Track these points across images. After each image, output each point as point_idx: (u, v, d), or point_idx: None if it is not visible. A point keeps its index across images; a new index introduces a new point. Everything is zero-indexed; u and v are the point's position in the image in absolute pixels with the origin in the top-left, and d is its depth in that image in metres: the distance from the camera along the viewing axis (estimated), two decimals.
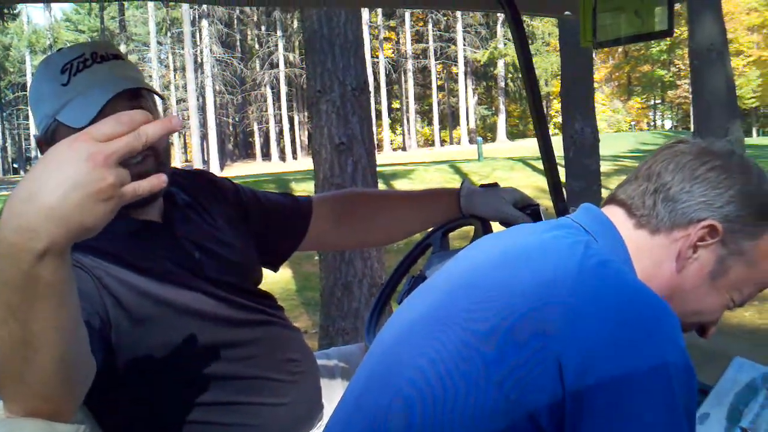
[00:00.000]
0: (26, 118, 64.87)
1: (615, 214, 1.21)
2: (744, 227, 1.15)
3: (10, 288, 0.93)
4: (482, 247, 1.23)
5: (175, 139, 55.23)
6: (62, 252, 0.93)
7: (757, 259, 1.17)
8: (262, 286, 1.84)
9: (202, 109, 47.63)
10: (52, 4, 45.41)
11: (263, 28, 56.89)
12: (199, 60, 48.01)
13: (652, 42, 51.72)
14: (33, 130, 1.66)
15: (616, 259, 1.12)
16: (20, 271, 0.91)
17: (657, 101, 63.66)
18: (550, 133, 2.31)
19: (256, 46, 57.40)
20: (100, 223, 0.93)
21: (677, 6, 1.62)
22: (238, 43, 56.67)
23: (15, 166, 76.92)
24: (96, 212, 0.91)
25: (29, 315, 0.95)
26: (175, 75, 58.94)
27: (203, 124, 47.32)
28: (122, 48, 54.57)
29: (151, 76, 51.28)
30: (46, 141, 1.57)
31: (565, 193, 2.38)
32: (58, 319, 0.98)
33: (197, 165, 44.05)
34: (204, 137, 48.01)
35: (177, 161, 51.48)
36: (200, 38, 48.37)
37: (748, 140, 15.34)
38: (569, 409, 0.94)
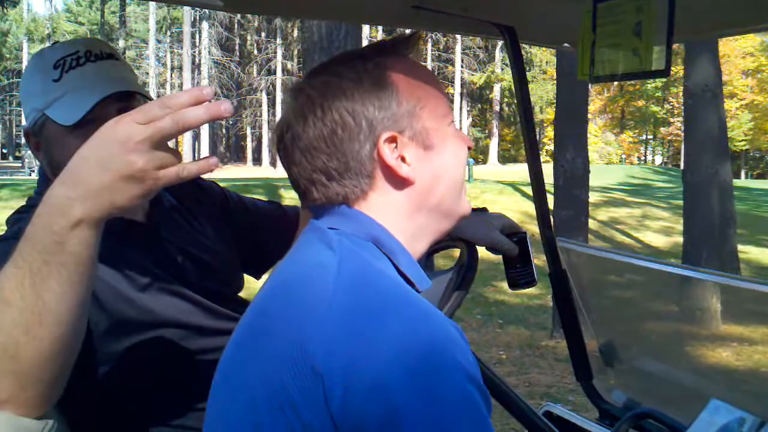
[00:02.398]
0: (19, 104, 64.52)
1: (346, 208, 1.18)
2: (381, 111, 1.13)
3: (37, 249, 0.98)
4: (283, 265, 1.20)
5: None
6: (94, 225, 0.99)
7: (418, 96, 1.16)
8: (244, 293, 1.84)
9: None
10: None
11: (263, 34, 56.97)
12: (197, 61, 47.96)
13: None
14: (23, 120, 1.65)
15: (371, 236, 1.13)
16: (52, 232, 0.97)
17: (649, 136, 64.06)
18: (542, 160, 2.31)
19: (255, 51, 57.43)
20: (133, 203, 0.98)
21: (675, 46, 1.64)
22: (237, 47, 56.70)
23: (4, 151, 76.47)
24: (127, 193, 0.97)
25: (46, 282, 0.98)
26: (171, 74, 58.87)
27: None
28: (121, 44, 54.49)
29: (148, 74, 51.20)
30: (33, 133, 1.57)
31: (552, 221, 2.38)
32: (71, 295, 1.01)
33: None
34: (196, 138, 47.92)
35: None
36: (200, 39, 48.35)
37: (736, 182, 15.53)
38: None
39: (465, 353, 0.97)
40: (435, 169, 1.18)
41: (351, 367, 0.93)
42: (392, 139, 1.14)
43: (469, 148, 1.27)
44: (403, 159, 1.15)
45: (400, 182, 1.16)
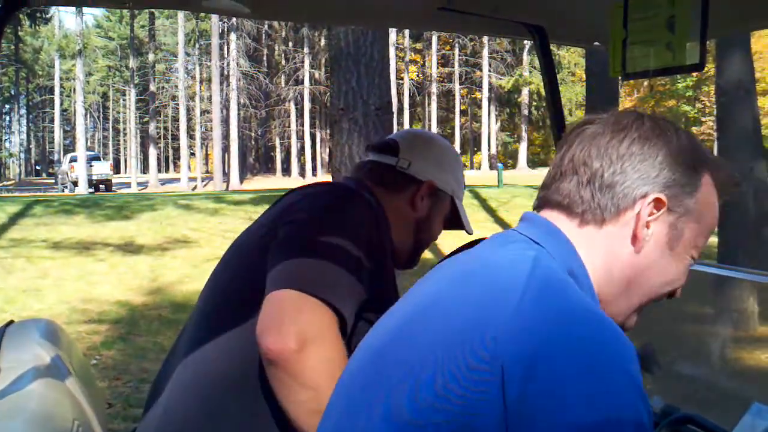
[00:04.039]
0: (51, 121, 65.59)
1: (556, 218, 1.19)
2: (682, 188, 1.15)
3: None
4: (445, 266, 1.23)
5: (197, 149, 55.64)
6: None
7: (702, 211, 1.18)
8: None
9: (225, 122, 47.92)
10: (84, 10, 46.01)
11: (290, 44, 57.33)
12: (225, 72, 48.35)
13: (678, 77, 51.67)
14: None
15: (568, 266, 1.12)
16: None
17: None
18: None
19: (283, 61, 57.80)
20: None
21: (708, 42, 1.60)
22: (264, 58, 57.12)
23: (38, 168, 77.74)
24: None
25: None
26: (200, 86, 59.47)
27: (226, 137, 47.61)
28: (150, 57, 55.17)
29: (177, 86, 51.75)
30: (435, 194, 1.97)
31: None
32: None
33: (218, 177, 44.27)
34: (226, 149, 48.30)
35: (198, 171, 51.83)
36: (228, 51, 48.73)
37: None
38: (511, 422, 0.92)
39: (640, 378, 0.96)
40: (657, 266, 1.17)
41: (533, 360, 0.93)
42: (660, 206, 1.14)
43: (671, 295, 1.23)
44: (647, 226, 1.15)
45: (633, 241, 1.16)
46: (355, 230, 1.63)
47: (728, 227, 9.61)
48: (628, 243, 1.15)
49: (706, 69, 1.67)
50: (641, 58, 1.68)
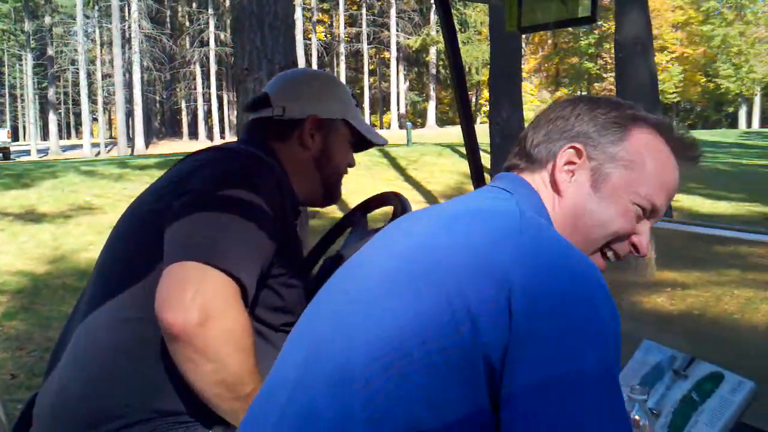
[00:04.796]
0: None
1: (523, 171, 1.36)
2: (603, 137, 1.29)
3: None
4: (416, 219, 1.27)
5: (100, 115, 53.88)
6: None
7: (635, 160, 1.29)
8: None
9: (128, 86, 46.50)
10: None
11: (194, 5, 55.85)
12: (127, 35, 46.79)
13: (581, 35, 52.73)
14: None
15: (538, 211, 1.25)
16: None
17: (584, 93, 64.88)
18: (479, 121, 2.33)
19: (187, 23, 56.32)
20: None
21: (606, 0, 1.65)
22: (167, 20, 55.47)
23: None
24: None
25: None
26: (101, 50, 57.41)
27: (129, 101, 46.25)
28: (47, 20, 52.91)
29: (77, 50, 49.85)
30: (321, 125, 1.95)
31: (488, 179, 2.40)
32: None
33: (122, 141, 43.06)
34: (130, 114, 46.98)
35: (101, 137, 50.25)
36: (129, 13, 47.13)
37: None
38: (512, 345, 0.98)
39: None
40: (583, 207, 1.29)
41: (537, 285, 1.01)
42: (578, 153, 1.29)
43: (635, 248, 1.34)
44: (572, 172, 1.30)
45: (554, 185, 1.30)
46: (252, 194, 1.61)
47: None
48: (556, 186, 1.30)
49: (607, 26, 1.72)
50: (536, 12, 1.72)
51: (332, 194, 2.05)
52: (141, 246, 1.62)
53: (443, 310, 1.01)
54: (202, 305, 1.42)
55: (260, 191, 1.63)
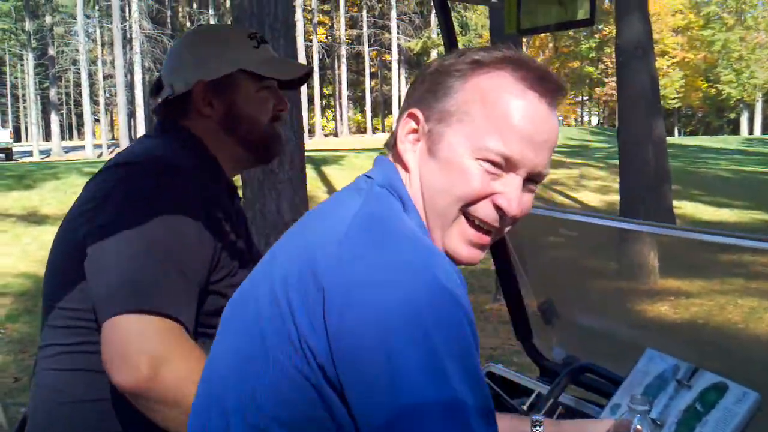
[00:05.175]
0: None
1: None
2: (435, 95, 1.18)
3: None
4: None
5: (102, 116, 53.89)
6: None
7: (466, 110, 1.15)
8: None
9: (130, 86, 46.53)
10: None
11: (195, 5, 55.90)
12: (128, 35, 46.80)
13: (582, 39, 52.78)
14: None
15: (397, 192, 1.18)
16: None
17: (585, 97, 64.96)
18: None
19: (188, 23, 56.33)
20: None
21: (607, 3, 1.63)
22: (168, 20, 55.51)
23: None
24: None
25: None
26: (102, 50, 57.43)
27: (131, 102, 46.27)
28: (47, 20, 52.92)
29: (77, 50, 49.86)
30: (218, 85, 1.80)
31: None
32: None
33: (124, 142, 43.10)
34: (132, 115, 47.00)
35: (103, 138, 50.28)
36: (129, 13, 47.12)
37: (670, 139, 15.89)
38: (333, 346, 1.00)
39: (455, 284, 1.02)
40: (425, 176, 1.19)
41: (350, 285, 1.00)
42: (415, 119, 1.20)
43: (498, 209, 1.17)
44: (416, 141, 1.20)
45: (400, 159, 1.22)
46: (168, 214, 1.54)
47: (628, 184, 9.92)
48: (401, 161, 1.22)
49: (608, 30, 1.70)
50: (535, 14, 1.71)
51: (260, 151, 1.89)
52: (66, 281, 1.60)
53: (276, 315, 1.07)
54: (147, 359, 1.41)
55: (177, 206, 1.56)
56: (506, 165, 1.14)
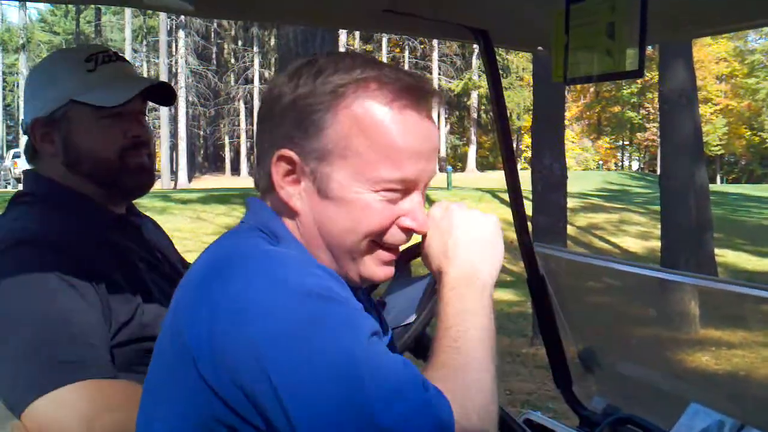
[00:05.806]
0: None
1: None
2: (303, 133, 1.12)
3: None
4: None
5: None
6: None
7: (345, 145, 1.11)
8: None
9: (173, 120, 47.28)
10: (28, 4, 44.98)
11: (240, 42, 56.85)
12: (173, 70, 47.70)
13: (624, 84, 52.59)
14: (23, 132, 1.74)
15: (270, 229, 1.15)
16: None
17: (625, 142, 64.52)
18: (520, 167, 2.30)
19: (232, 60, 57.25)
20: None
21: (649, 50, 1.63)
22: (213, 56, 56.51)
23: None
24: None
25: None
26: None
27: (174, 135, 46.97)
28: None
29: None
30: (49, 122, 1.65)
31: (530, 227, 2.37)
32: None
33: (165, 175, 43.73)
34: (174, 148, 47.65)
35: None
36: (176, 48, 48.11)
37: (712, 186, 15.72)
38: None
39: (301, 273, 1.03)
40: (322, 218, 1.14)
41: (210, 329, 0.99)
42: (289, 160, 1.13)
43: (388, 227, 1.16)
44: (298, 183, 1.14)
45: (284, 205, 1.16)
46: (38, 290, 1.45)
47: (670, 232, 9.80)
48: (286, 208, 1.16)
49: (650, 75, 1.70)
50: (582, 64, 1.70)
51: (113, 187, 1.70)
52: None
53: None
54: (87, 427, 1.38)
55: (35, 283, 1.46)
56: (406, 187, 1.14)
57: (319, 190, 1.12)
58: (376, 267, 1.18)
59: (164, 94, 1.78)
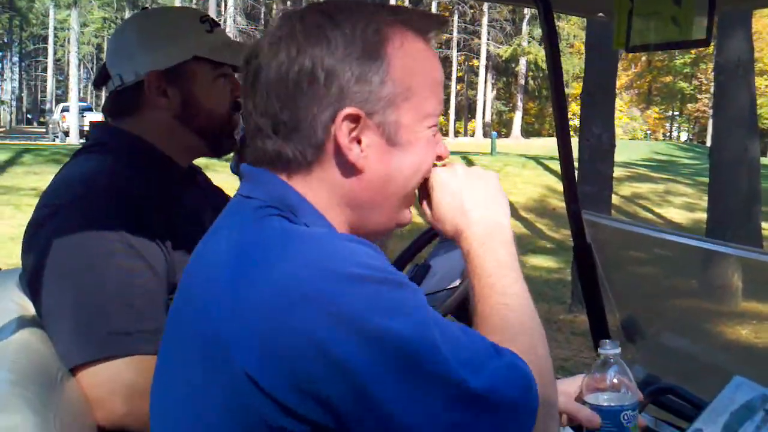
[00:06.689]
0: (44, 70, 64.86)
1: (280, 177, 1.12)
2: (369, 84, 1.06)
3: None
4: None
5: None
6: None
7: (407, 84, 1.09)
8: None
9: None
10: None
11: (288, 2, 56.74)
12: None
13: (676, 54, 51.45)
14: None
15: (287, 204, 1.07)
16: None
17: (675, 113, 63.28)
18: None
19: None
20: None
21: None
22: (262, 16, 56.50)
23: (29, 116, 77.06)
24: None
25: None
26: None
27: None
28: None
29: None
30: (168, 75, 1.67)
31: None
32: None
33: None
34: None
35: None
36: (225, 8, 48.20)
37: (764, 160, 15.38)
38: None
39: (356, 254, 0.98)
40: (390, 169, 1.11)
41: (250, 319, 0.94)
42: (355, 118, 1.06)
43: (440, 158, 1.20)
44: (359, 142, 1.07)
45: (347, 167, 1.08)
46: (112, 240, 1.48)
47: (718, 205, 9.65)
48: (348, 171, 1.09)
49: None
50: (646, 31, 1.67)
51: (218, 141, 1.78)
52: None
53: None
54: (121, 398, 1.42)
55: (107, 238, 1.49)
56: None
57: (387, 141, 1.09)
58: (407, 210, 1.19)
59: None
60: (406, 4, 52.13)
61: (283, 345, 0.91)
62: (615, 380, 1.41)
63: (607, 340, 1.43)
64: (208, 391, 0.97)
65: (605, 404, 1.39)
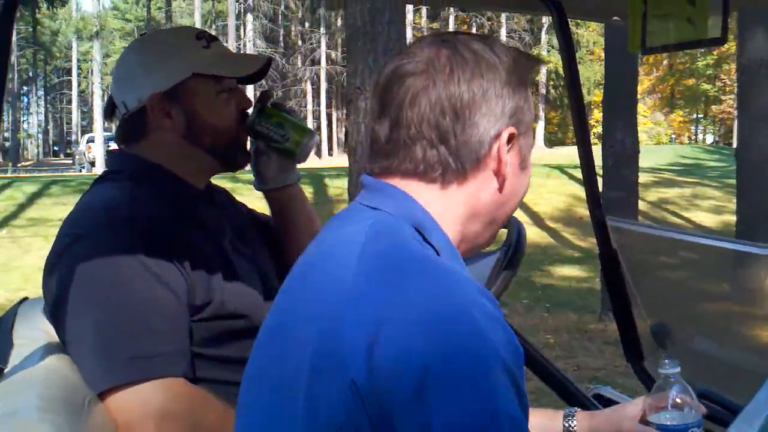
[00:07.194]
0: (68, 102, 65.71)
1: (409, 186, 1.12)
2: (522, 109, 1.15)
3: None
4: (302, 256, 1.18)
5: None
6: None
7: (531, 113, 1.17)
8: None
9: None
10: None
11: (307, 24, 57.14)
12: (242, 53, 48.30)
13: (699, 56, 51.12)
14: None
15: (413, 220, 1.08)
16: None
17: (699, 115, 62.75)
18: (591, 143, 2.28)
19: (299, 42, 57.63)
20: None
21: (729, 18, 1.58)
22: (281, 38, 56.96)
23: (56, 149, 78.10)
24: None
25: None
26: None
27: None
28: None
29: None
30: (169, 96, 1.67)
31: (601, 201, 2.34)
32: None
33: None
34: None
35: None
36: (244, 32, 48.66)
37: None
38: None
39: (493, 320, 0.95)
40: (515, 189, 1.19)
41: (377, 332, 0.92)
42: (511, 137, 1.13)
43: None
44: (506, 164, 1.14)
45: (497, 182, 1.14)
46: (129, 268, 1.49)
47: (747, 206, 9.54)
48: (494, 184, 1.14)
49: (726, 47, 1.65)
50: (661, 32, 1.66)
51: (232, 156, 1.77)
52: None
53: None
54: (153, 424, 1.42)
55: (126, 266, 1.49)
56: None
57: (521, 163, 1.18)
58: None
59: (259, 71, 1.78)
60: (423, 18, 52.39)
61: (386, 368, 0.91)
62: (678, 399, 1.41)
63: (667, 360, 1.42)
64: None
65: (670, 423, 1.38)
